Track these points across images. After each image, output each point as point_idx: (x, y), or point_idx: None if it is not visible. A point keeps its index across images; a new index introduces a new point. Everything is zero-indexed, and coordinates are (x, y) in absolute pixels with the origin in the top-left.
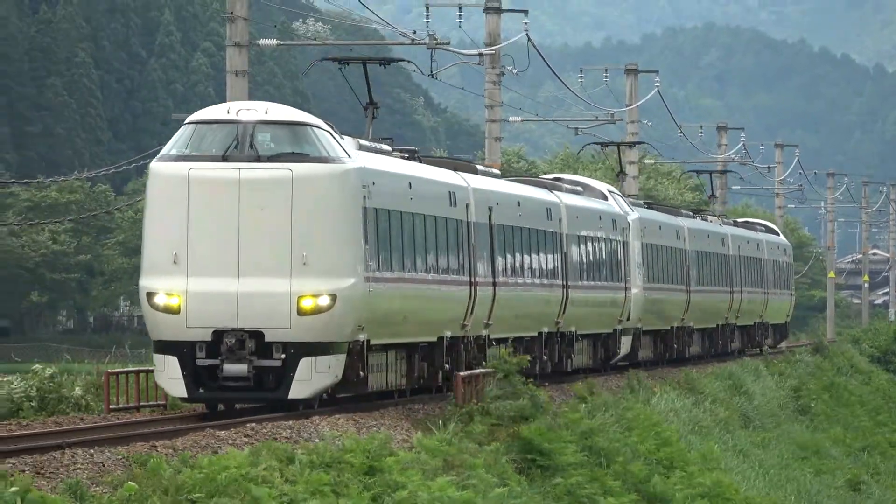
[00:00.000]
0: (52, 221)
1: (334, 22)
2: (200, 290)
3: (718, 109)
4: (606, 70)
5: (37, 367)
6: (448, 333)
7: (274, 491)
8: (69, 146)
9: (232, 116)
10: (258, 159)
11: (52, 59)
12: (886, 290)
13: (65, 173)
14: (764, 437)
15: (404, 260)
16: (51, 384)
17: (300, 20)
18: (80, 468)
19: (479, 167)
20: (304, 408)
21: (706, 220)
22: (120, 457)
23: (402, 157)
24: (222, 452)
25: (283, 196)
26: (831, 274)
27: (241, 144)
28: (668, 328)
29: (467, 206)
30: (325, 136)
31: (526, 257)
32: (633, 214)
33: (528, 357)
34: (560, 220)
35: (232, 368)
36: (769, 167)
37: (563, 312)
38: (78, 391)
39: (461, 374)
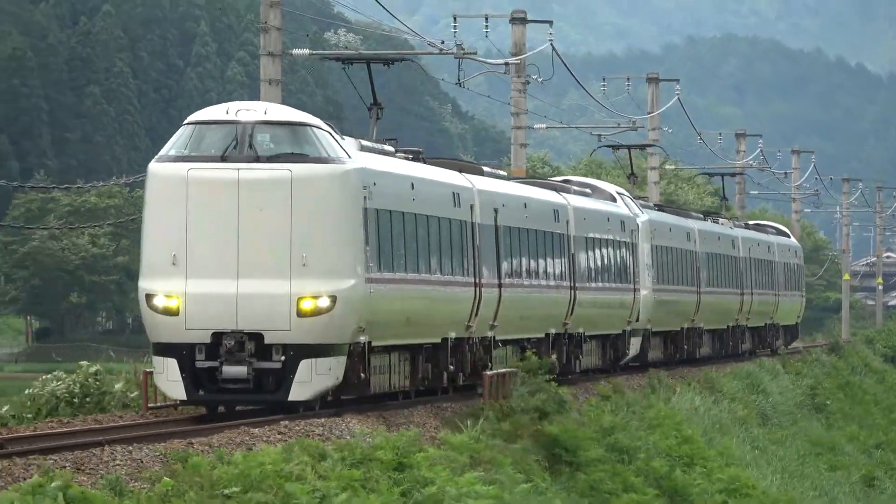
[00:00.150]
0: (92, 225)
1: (365, 32)
2: (199, 291)
3: (737, 117)
4: (628, 79)
5: (83, 362)
6: (452, 335)
7: (306, 486)
8: (108, 152)
9: (231, 116)
10: (257, 159)
11: (92, 69)
12: None
13: (104, 179)
14: (781, 434)
15: (406, 261)
16: (95, 381)
17: (332, 30)
18: (119, 464)
19: (486, 169)
20: (304, 410)
21: (717, 223)
22: (157, 453)
23: (406, 158)
24: (256, 449)
25: (283, 197)
26: (846, 276)
27: (240, 145)
28: (679, 329)
29: (472, 207)
30: (324, 137)
31: (532, 259)
32: (643, 216)
33: (553, 358)
34: (567, 222)
35: (231, 370)
36: (786, 173)
37: (571, 314)
38: (119, 387)
39: (488, 373)
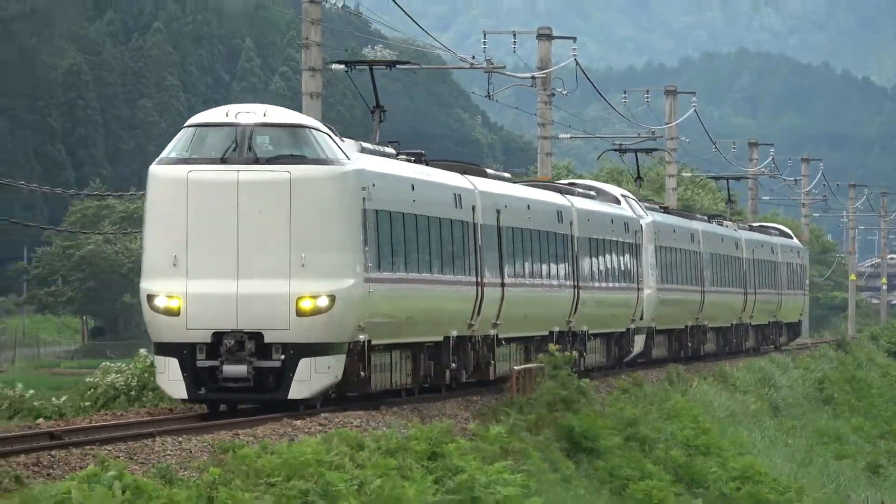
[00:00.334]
0: None
1: (400, 48)
2: (200, 292)
3: (750, 127)
4: (648, 91)
5: (142, 350)
6: (454, 333)
7: (345, 474)
8: None
9: (231, 119)
10: (256, 161)
11: (144, 83)
12: None
13: None
14: (791, 425)
15: (406, 261)
16: (150, 376)
17: (369, 46)
18: (169, 454)
19: (489, 171)
20: (304, 408)
21: (721, 225)
22: (206, 444)
23: (408, 160)
24: (298, 440)
25: (282, 198)
26: (852, 277)
27: (239, 147)
28: (683, 327)
29: (473, 208)
30: (323, 139)
31: (535, 258)
32: (647, 218)
33: (575, 353)
34: (571, 223)
35: (231, 369)
36: (796, 180)
37: (575, 312)
38: None
39: (516, 368)
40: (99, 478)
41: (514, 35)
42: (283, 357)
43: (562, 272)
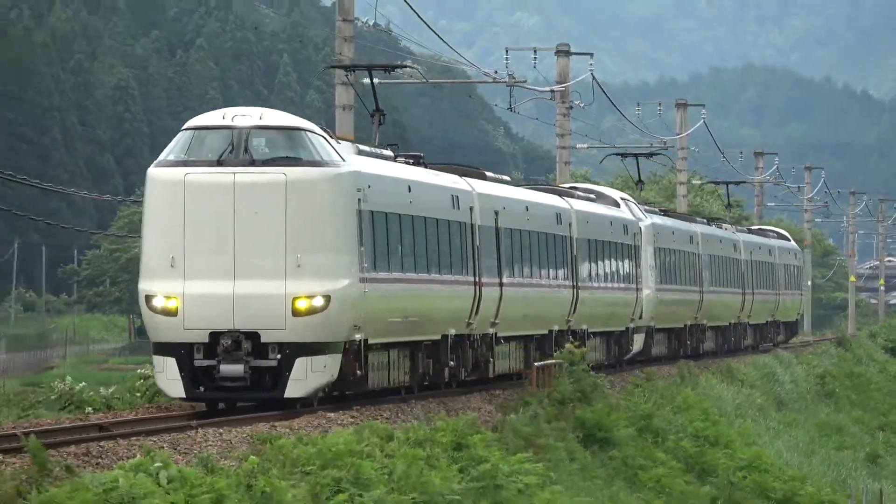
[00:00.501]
0: None
1: (428, 63)
2: (197, 292)
3: (755, 137)
4: (660, 104)
5: None
6: (452, 332)
7: (375, 464)
8: None
9: (227, 122)
10: (253, 163)
11: (187, 96)
12: None
13: None
14: (794, 417)
15: (403, 261)
16: None
17: (398, 61)
18: (210, 445)
19: (489, 174)
20: (301, 406)
21: (720, 228)
22: (245, 435)
23: (407, 163)
24: (332, 432)
25: (278, 199)
26: (852, 278)
27: (236, 149)
28: (682, 326)
29: (471, 209)
30: (319, 141)
31: (534, 259)
32: (646, 221)
33: (586, 349)
34: (570, 225)
35: (228, 369)
36: (799, 187)
37: (574, 311)
38: None
39: (536, 364)
40: (145, 467)
41: (535, 51)
42: (279, 356)
43: (560, 272)
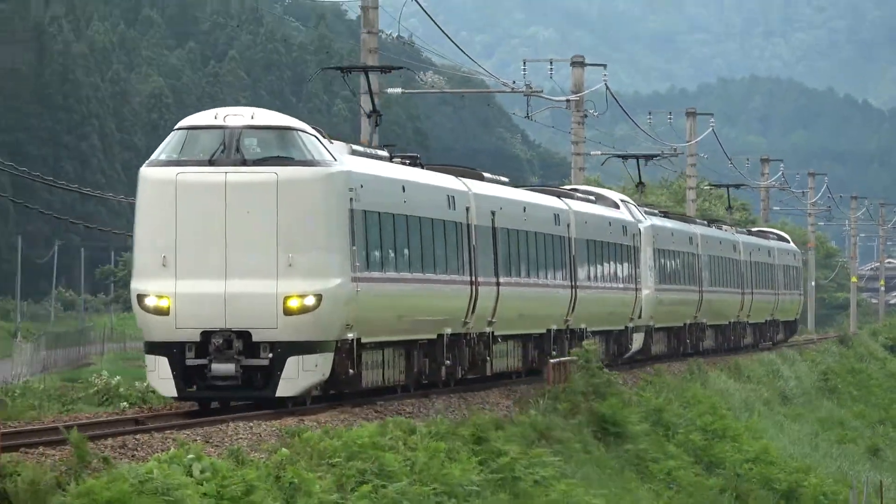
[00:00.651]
0: None
1: (448, 73)
2: (189, 291)
3: (762, 145)
4: (670, 113)
5: None
6: (448, 331)
7: (399, 456)
8: None
9: (219, 122)
10: (244, 163)
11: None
12: None
13: None
14: (798, 412)
15: (397, 260)
16: None
17: (420, 72)
18: (241, 438)
19: (486, 175)
20: (293, 405)
21: (720, 229)
22: (274, 429)
23: (403, 163)
24: (357, 425)
25: (269, 199)
26: (854, 279)
27: (227, 149)
28: (682, 325)
29: (467, 209)
30: (310, 141)
31: (532, 259)
32: (646, 222)
33: (597, 345)
34: (568, 226)
35: (220, 368)
36: (803, 192)
37: (572, 311)
38: None
39: (552, 360)
40: (179, 459)
41: (551, 63)
42: (270, 355)
43: (559, 272)
